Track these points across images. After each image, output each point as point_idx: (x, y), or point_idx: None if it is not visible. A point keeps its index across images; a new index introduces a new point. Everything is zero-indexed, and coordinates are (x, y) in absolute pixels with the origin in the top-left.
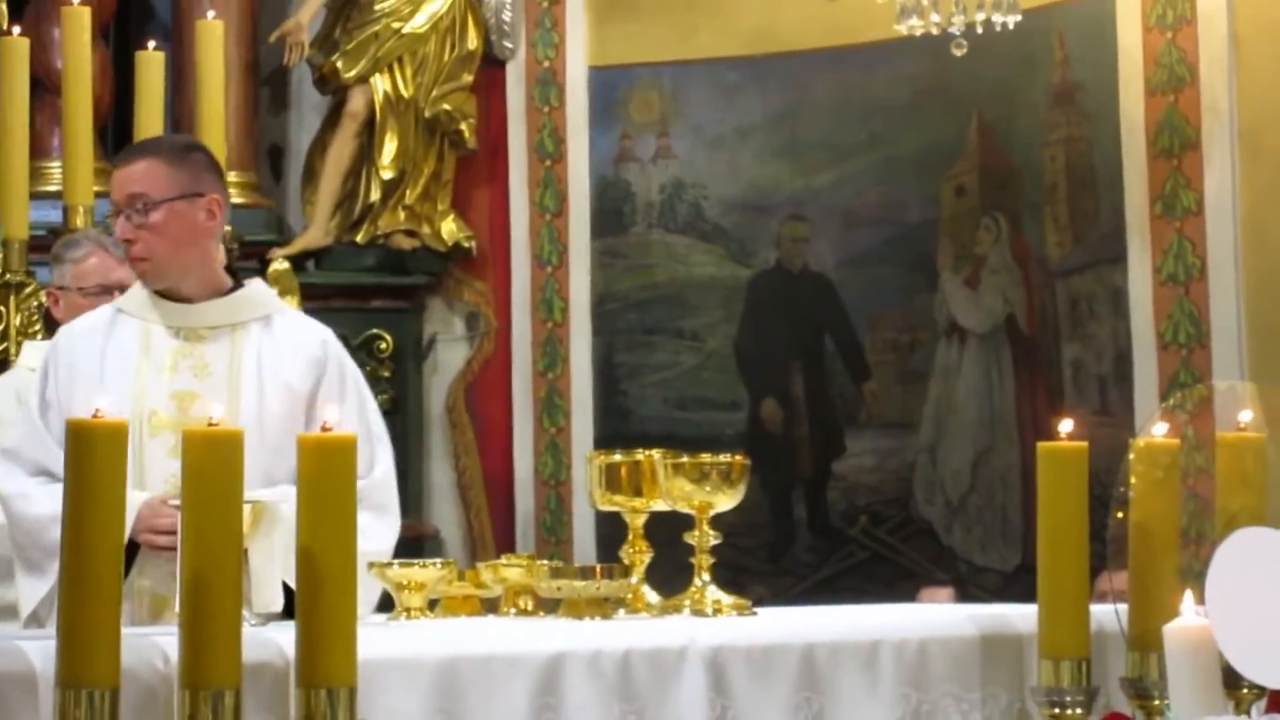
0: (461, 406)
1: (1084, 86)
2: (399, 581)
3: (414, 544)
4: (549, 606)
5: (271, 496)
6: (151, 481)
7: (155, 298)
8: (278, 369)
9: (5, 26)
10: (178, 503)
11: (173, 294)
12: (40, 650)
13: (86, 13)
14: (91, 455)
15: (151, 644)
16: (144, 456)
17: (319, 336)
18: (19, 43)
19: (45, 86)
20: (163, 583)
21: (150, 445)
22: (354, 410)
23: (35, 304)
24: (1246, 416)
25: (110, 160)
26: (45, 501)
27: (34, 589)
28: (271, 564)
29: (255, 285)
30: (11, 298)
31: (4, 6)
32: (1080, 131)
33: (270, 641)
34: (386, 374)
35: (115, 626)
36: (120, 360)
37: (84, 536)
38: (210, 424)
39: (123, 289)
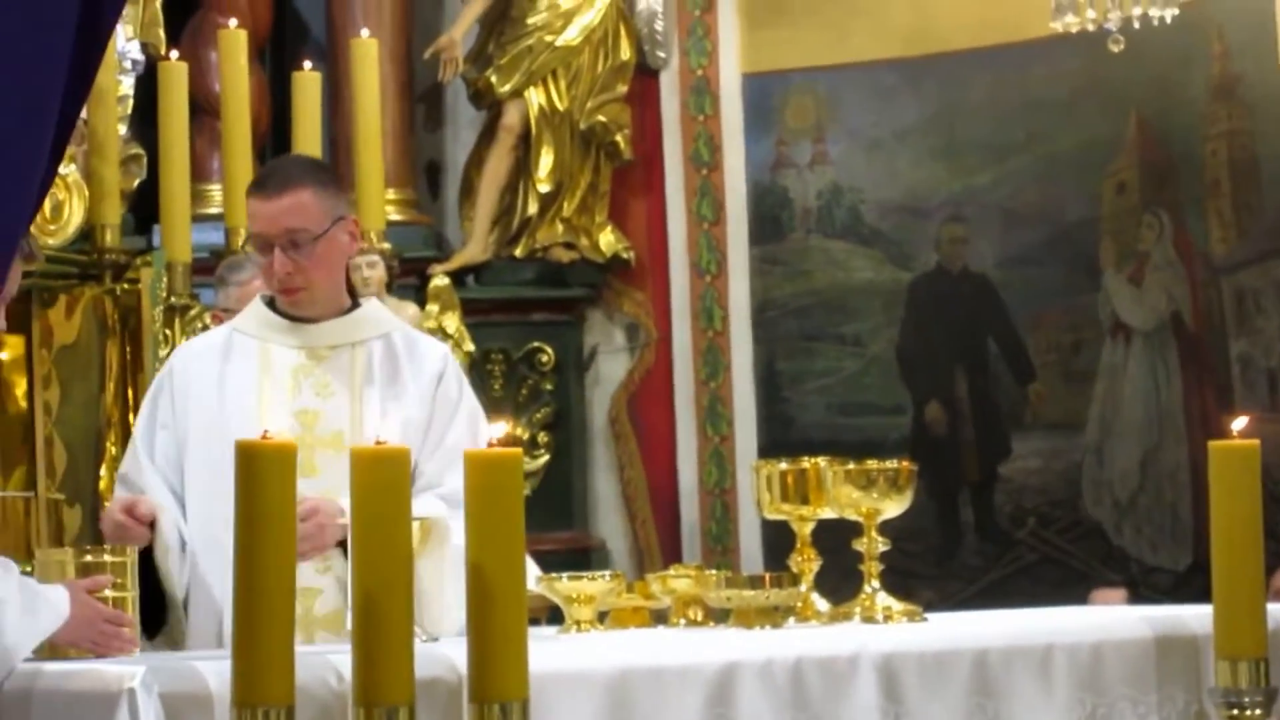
0: (624, 417)
1: (1244, 79)
2: (568, 595)
3: (580, 555)
4: (719, 616)
5: (437, 512)
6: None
7: (274, 317)
8: (397, 388)
9: (164, 51)
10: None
11: (292, 313)
12: (215, 670)
13: (243, 35)
14: (260, 476)
15: (325, 662)
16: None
17: (439, 353)
18: (178, 67)
19: (204, 110)
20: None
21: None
22: (465, 429)
23: (200, 326)
24: None
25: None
26: None
27: None
28: (441, 580)
29: (373, 304)
30: (176, 320)
31: (162, 32)
32: (1242, 124)
33: (442, 657)
34: (549, 387)
35: (289, 645)
36: (240, 380)
37: (255, 557)
38: (378, 443)
39: None
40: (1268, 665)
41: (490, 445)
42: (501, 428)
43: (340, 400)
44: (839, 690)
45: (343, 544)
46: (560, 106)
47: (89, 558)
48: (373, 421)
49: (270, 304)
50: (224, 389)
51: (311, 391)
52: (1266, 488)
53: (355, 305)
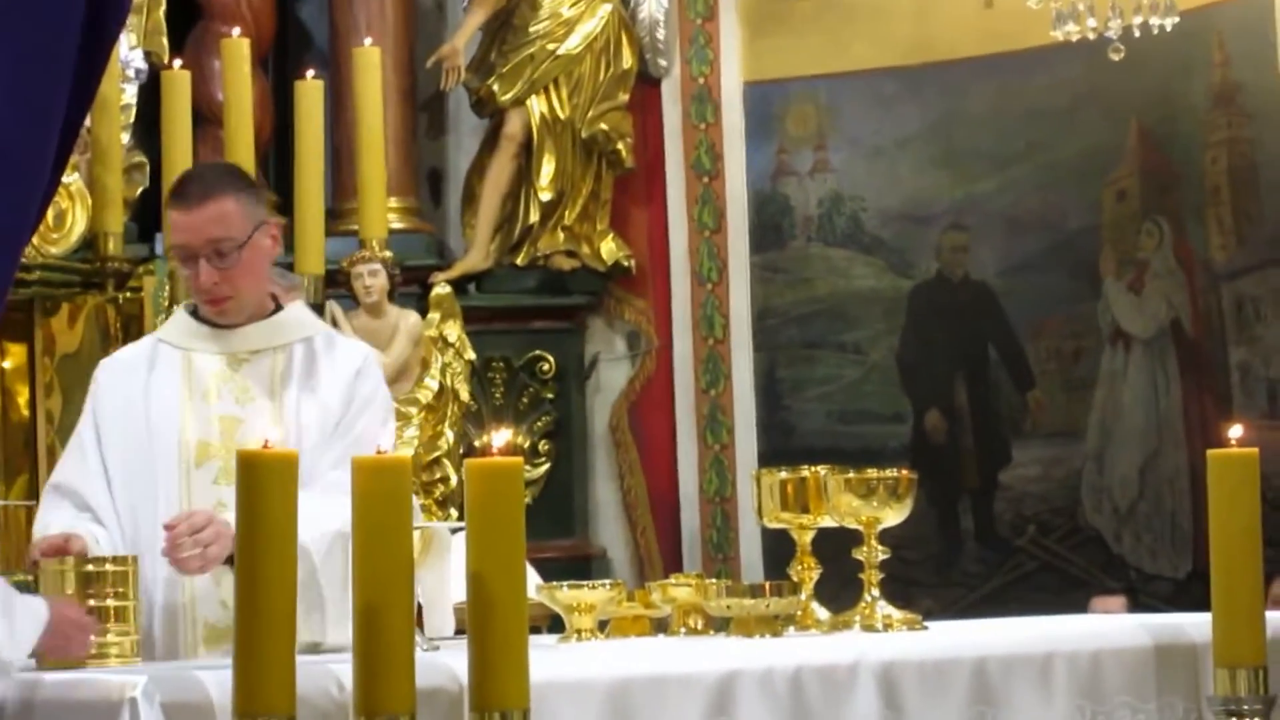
0: (625, 425)
1: (1245, 87)
2: (569, 603)
3: (581, 564)
4: (719, 625)
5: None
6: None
7: (197, 324)
8: (313, 384)
9: (167, 60)
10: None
11: (216, 320)
12: (216, 680)
13: (246, 44)
14: (262, 486)
15: (326, 671)
16: (191, 486)
17: (359, 352)
18: (181, 75)
19: (207, 118)
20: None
21: (196, 475)
22: (376, 420)
23: None
24: None
25: (270, 189)
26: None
27: None
28: (443, 588)
29: (295, 307)
30: None
31: (165, 40)
32: (1242, 133)
33: (443, 666)
34: (549, 395)
35: (290, 655)
36: (163, 391)
37: (256, 567)
38: (379, 452)
39: None
40: (1267, 673)
41: (380, 451)
42: (505, 435)
43: (260, 406)
44: (839, 699)
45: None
46: (562, 115)
47: (90, 567)
48: (292, 426)
49: (193, 312)
50: (149, 400)
51: (231, 398)
52: (1266, 496)
53: (277, 309)
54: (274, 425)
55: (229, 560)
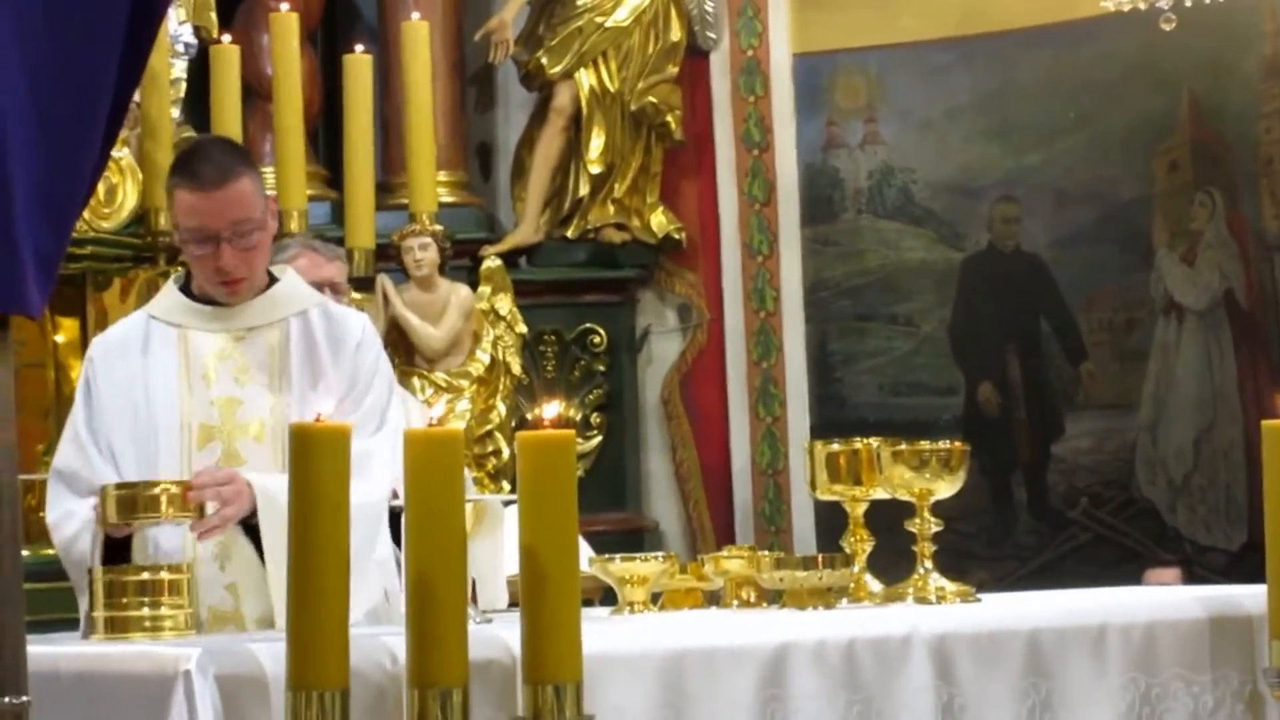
0: (676, 398)
1: None
2: (621, 576)
3: (634, 537)
4: (771, 598)
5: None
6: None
7: (192, 302)
8: (318, 366)
9: (216, 35)
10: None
11: (211, 297)
12: (270, 653)
13: (295, 18)
14: (315, 459)
15: (379, 644)
16: (192, 467)
17: (358, 323)
18: (230, 50)
19: (256, 93)
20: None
21: (199, 458)
22: (384, 391)
23: None
24: None
25: (320, 164)
26: (69, 524)
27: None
28: (495, 561)
29: (289, 277)
30: None
31: (214, 15)
32: None
33: (496, 639)
34: (601, 368)
35: (344, 628)
36: (162, 371)
37: (309, 540)
38: (432, 423)
39: (332, 286)
40: None
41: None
42: (556, 407)
43: (258, 386)
44: (892, 671)
45: (248, 526)
46: (611, 88)
47: (146, 575)
48: (295, 402)
49: (183, 287)
50: (148, 381)
51: (230, 378)
52: None
53: (272, 281)
54: (277, 404)
55: (246, 529)
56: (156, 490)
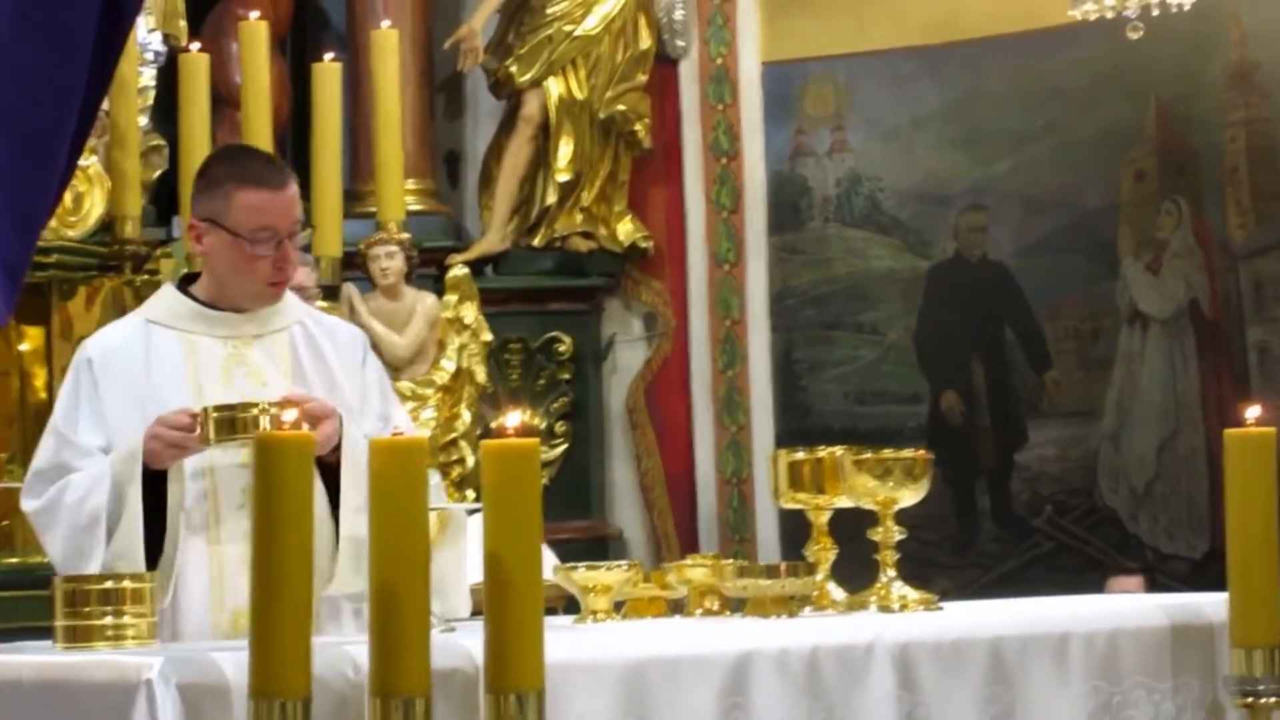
0: (642, 406)
1: (1263, 66)
2: (585, 584)
3: (598, 545)
4: (735, 606)
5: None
6: (227, 493)
7: (196, 306)
8: (330, 375)
9: (185, 43)
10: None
11: (217, 303)
12: (232, 661)
13: (264, 27)
14: (278, 468)
15: (342, 653)
16: (215, 469)
17: (357, 337)
18: (199, 58)
19: (225, 100)
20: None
21: (220, 458)
22: (397, 407)
23: None
24: None
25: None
26: (73, 490)
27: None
28: (459, 570)
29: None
30: None
31: (183, 23)
32: (1260, 112)
33: (459, 648)
34: (566, 376)
35: (306, 637)
36: (167, 372)
37: (273, 548)
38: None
39: (300, 293)
40: None
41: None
42: (520, 416)
43: (276, 390)
44: (855, 679)
45: (325, 468)
46: (579, 96)
47: (109, 583)
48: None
49: (182, 291)
50: (152, 381)
51: (246, 381)
52: None
53: None
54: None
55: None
56: (255, 410)
